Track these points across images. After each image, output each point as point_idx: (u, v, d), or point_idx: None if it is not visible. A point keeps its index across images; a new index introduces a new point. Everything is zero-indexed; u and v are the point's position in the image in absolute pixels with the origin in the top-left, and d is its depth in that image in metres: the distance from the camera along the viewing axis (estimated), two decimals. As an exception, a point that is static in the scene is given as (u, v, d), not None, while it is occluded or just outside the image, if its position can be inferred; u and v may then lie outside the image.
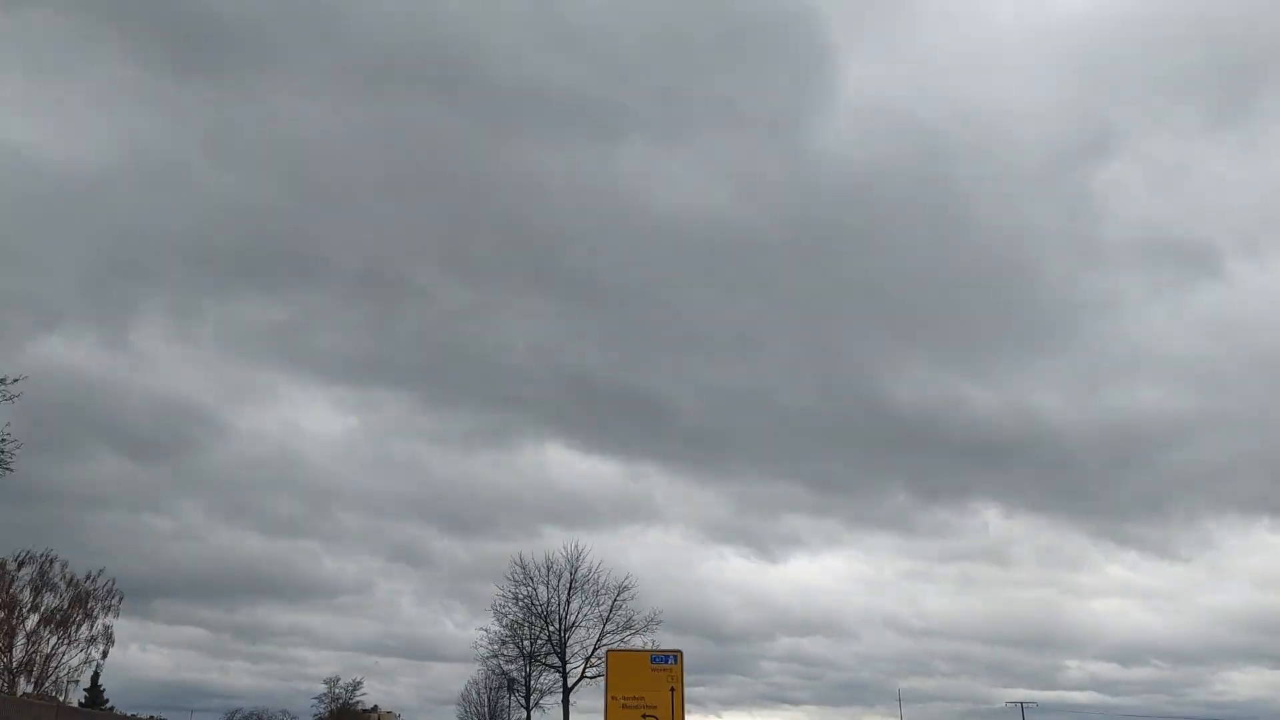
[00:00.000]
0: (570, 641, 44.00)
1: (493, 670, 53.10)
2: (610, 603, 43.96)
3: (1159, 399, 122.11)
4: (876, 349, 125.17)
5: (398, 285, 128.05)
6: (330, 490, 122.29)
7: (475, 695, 73.73)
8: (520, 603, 44.77)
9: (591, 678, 42.92)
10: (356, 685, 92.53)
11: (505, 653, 48.20)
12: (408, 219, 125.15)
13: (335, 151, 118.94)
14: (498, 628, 46.30)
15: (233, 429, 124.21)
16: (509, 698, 55.62)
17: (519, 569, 45.09)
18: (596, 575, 44.75)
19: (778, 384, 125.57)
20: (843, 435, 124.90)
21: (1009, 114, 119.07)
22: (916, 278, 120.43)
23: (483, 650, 48.82)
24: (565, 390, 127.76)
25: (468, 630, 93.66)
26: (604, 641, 42.90)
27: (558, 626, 44.05)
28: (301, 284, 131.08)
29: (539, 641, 44.91)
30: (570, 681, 43.33)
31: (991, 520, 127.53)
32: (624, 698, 24.11)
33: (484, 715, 73.59)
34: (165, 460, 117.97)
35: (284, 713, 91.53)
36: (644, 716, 23.99)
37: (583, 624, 43.82)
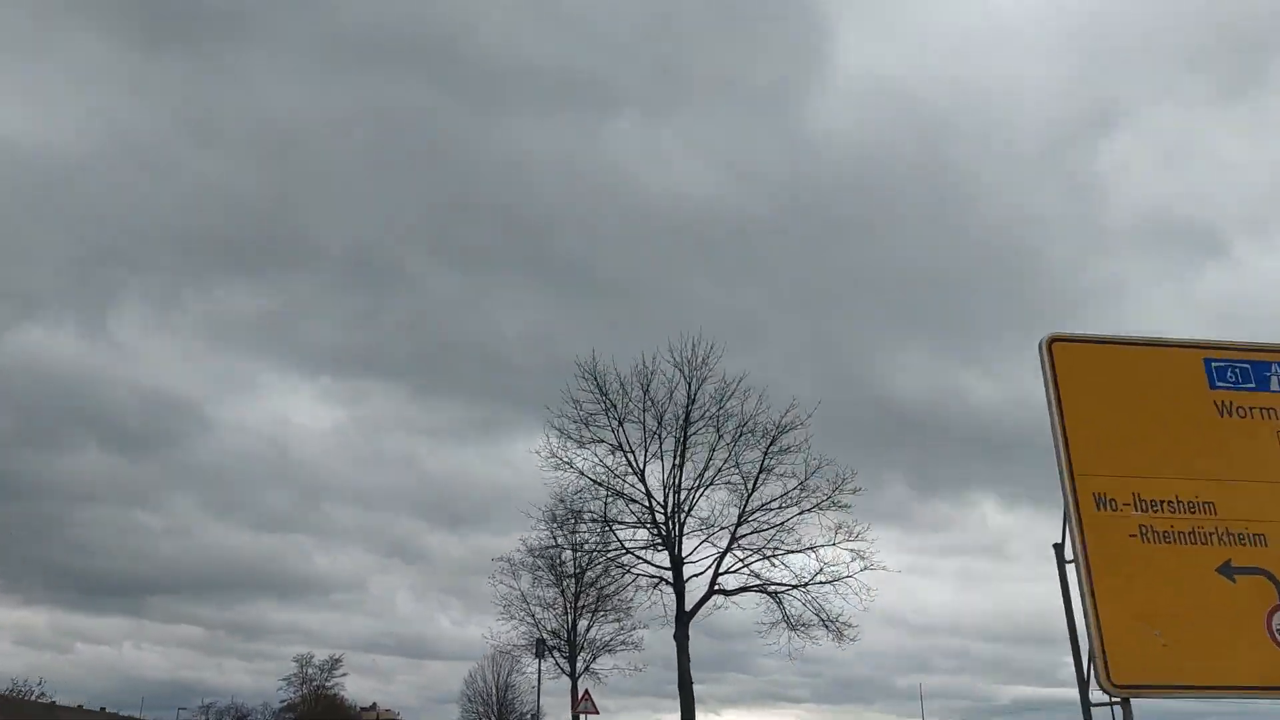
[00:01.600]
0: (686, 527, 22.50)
1: (513, 605, 32.20)
2: (762, 451, 22.03)
3: None
4: (875, 338, 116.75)
5: (385, 272, 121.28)
6: (320, 485, 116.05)
7: (482, 681, 56.79)
8: (594, 446, 22.87)
9: (731, 593, 22.06)
10: (334, 663, 77.42)
11: (543, 562, 28.47)
12: (394, 203, 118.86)
13: (318, 132, 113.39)
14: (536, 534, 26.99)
15: (219, 422, 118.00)
16: (539, 664, 33.86)
17: (588, 379, 22.81)
18: (737, 388, 22.29)
19: (773, 373, 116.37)
20: (841, 427, 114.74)
21: (1010, 90, 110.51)
22: (916, 263, 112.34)
23: (501, 582, 29.93)
24: (558, 382, 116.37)
25: (465, 628, 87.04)
26: (749, 522, 21.81)
27: (666, 490, 22.34)
28: (285, 271, 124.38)
29: (626, 524, 22.93)
30: (689, 601, 22.14)
31: (990, 513, 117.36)
32: (1139, 502, 6.61)
33: (490, 708, 56.38)
34: (152, 454, 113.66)
35: (265, 706, 79.26)
36: (1228, 571, 6.47)
37: (710, 490, 22.50)
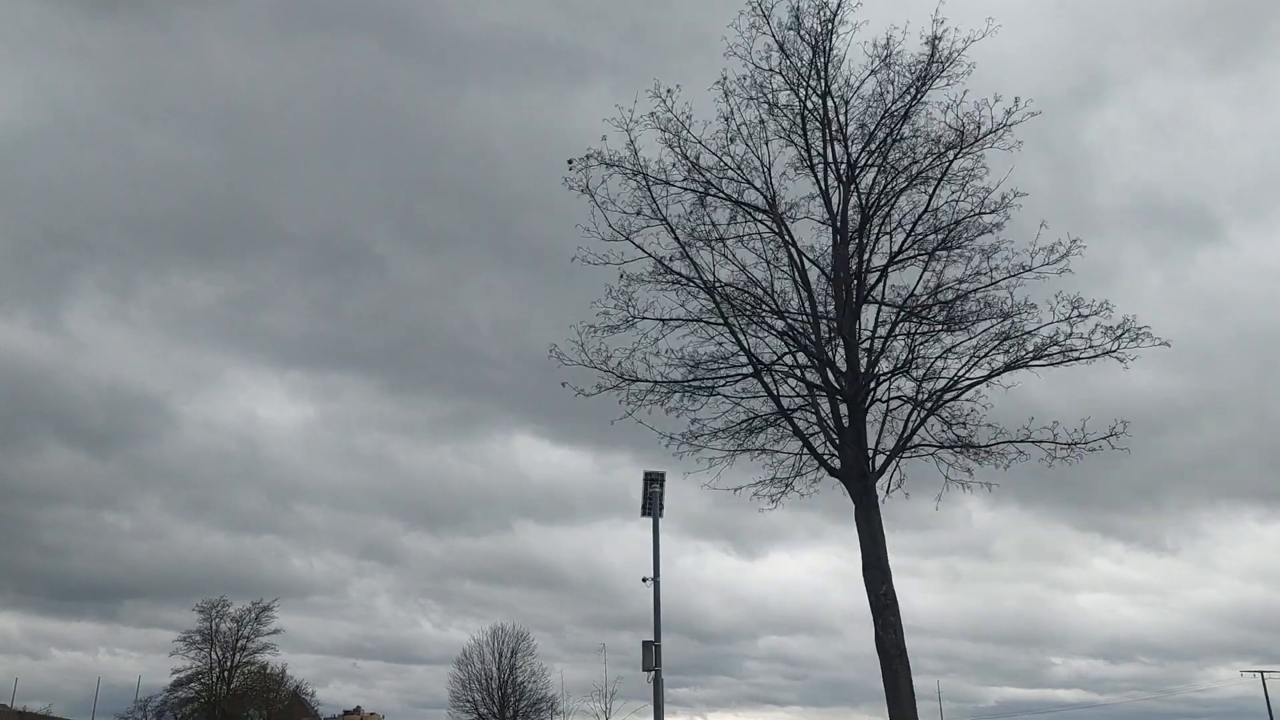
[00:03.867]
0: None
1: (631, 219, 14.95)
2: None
3: (1150, 380, 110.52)
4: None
5: (350, 257, 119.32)
6: (293, 484, 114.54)
7: (479, 662, 52.80)
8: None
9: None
10: (261, 613, 55.53)
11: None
12: (356, 181, 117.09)
13: (272, 104, 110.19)
14: None
15: (184, 418, 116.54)
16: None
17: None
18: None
19: None
20: None
21: (993, 59, 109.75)
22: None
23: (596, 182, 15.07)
24: (532, 374, 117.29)
25: (446, 630, 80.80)
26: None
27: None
28: (245, 255, 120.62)
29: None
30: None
31: (975, 511, 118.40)
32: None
33: (490, 696, 52.81)
34: (117, 452, 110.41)
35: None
36: None
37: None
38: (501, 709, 51.58)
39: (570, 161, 14.50)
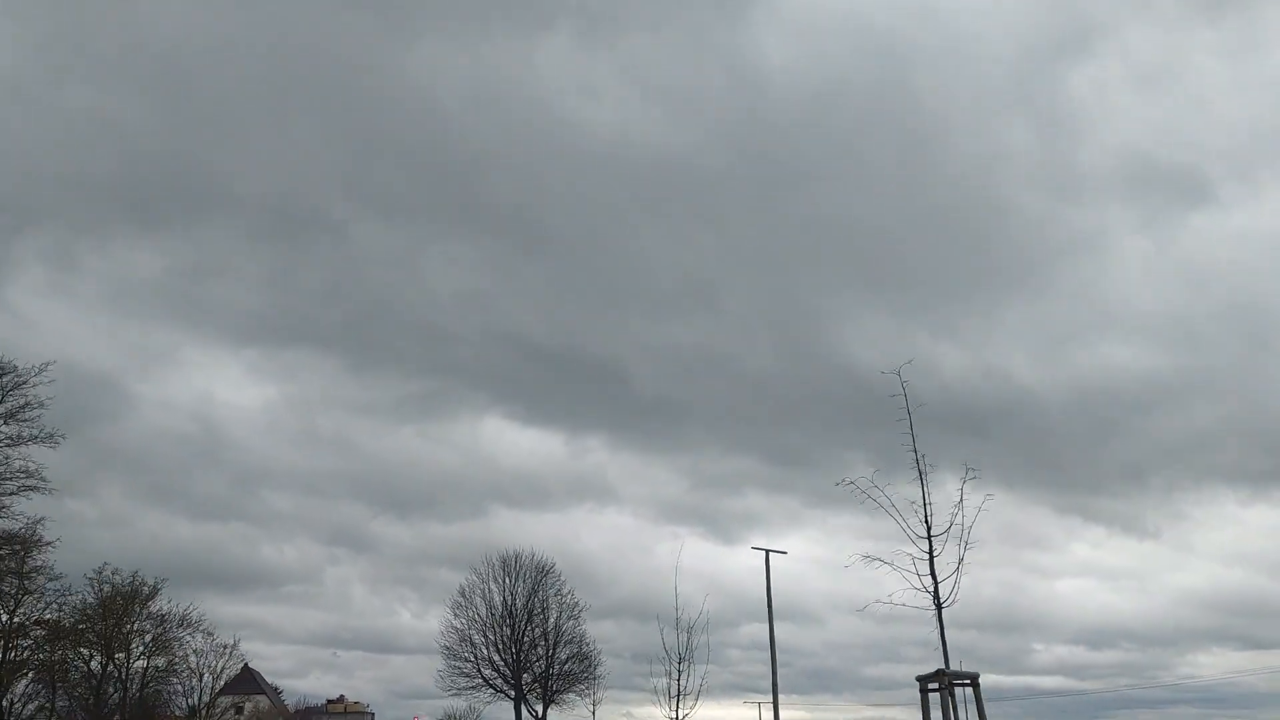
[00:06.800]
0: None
1: None
2: None
3: (1134, 358, 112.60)
4: (836, 301, 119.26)
5: (305, 224, 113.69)
6: (256, 468, 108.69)
7: (484, 604, 42.99)
8: None
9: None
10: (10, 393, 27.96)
11: None
12: (306, 141, 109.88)
13: (211, 57, 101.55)
14: None
15: (140, 399, 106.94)
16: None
17: None
18: None
19: (731, 343, 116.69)
20: (801, 401, 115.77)
21: (977, 9, 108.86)
22: (878, 215, 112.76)
23: None
24: (499, 352, 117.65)
25: (425, 620, 73.34)
26: None
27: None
28: (193, 223, 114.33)
29: None
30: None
31: (954, 495, 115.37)
32: None
33: (504, 642, 43.31)
34: (73, 436, 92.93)
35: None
36: None
37: None
38: (518, 667, 40.83)
39: None
